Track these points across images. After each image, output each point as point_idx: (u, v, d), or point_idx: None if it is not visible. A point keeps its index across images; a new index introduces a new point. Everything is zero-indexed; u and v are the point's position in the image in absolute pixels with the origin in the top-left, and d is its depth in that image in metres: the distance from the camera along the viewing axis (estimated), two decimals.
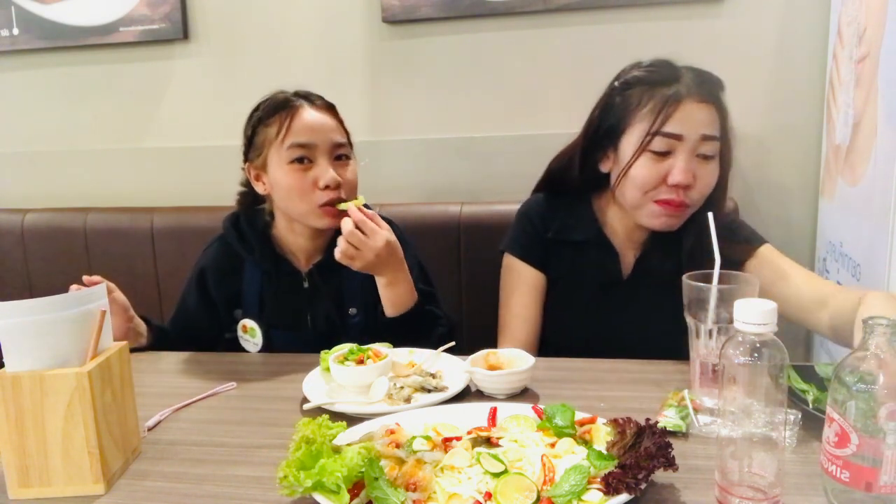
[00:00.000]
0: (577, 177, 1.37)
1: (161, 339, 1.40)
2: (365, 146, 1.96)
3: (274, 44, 2.00)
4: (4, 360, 0.83)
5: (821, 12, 1.70)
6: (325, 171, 1.31)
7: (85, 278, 1.22)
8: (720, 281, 0.96)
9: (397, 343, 1.24)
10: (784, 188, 1.81)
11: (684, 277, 0.98)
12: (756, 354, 0.72)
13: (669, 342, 1.21)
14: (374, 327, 1.36)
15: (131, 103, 2.13)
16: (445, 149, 1.93)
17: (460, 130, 1.93)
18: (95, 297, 0.89)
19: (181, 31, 2.02)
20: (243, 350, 1.44)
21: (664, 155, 1.23)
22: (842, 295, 1.14)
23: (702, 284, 0.96)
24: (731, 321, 0.75)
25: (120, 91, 2.13)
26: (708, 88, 1.25)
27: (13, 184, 2.21)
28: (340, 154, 1.35)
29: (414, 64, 1.94)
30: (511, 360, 1.13)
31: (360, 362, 1.11)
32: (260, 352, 1.41)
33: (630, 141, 1.26)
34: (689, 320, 0.98)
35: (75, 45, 2.10)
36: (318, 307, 1.42)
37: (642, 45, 1.78)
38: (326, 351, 1.17)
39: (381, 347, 1.17)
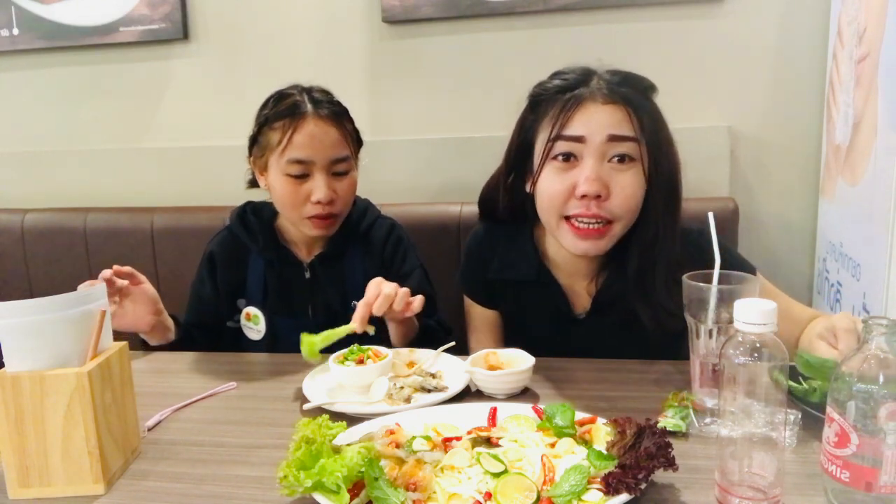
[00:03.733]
0: (507, 204, 1.27)
1: (188, 337, 1.41)
2: (365, 146, 1.97)
3: (274, 44, 2.00)
4: (4, 360, 0.83)
5: (821, 12, 1.70)
6: (320, 188, 1.32)
7: (115, 268, 1.25)
8: (720, 281, 0.96)
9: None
10: (784, 188, 1.81)
11: (684, 277, 0.98)
12: (756, 354, 0.72)
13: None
14: (374, 322, 1.37)
15: (131, 103, 2.13)
16: (445, 149, 1.93)
17: (460, 130, 1.93)
18: (95, 297, 0.89)
19: (181, 31, 2.02)
20: (246, 338, 1.45)
21: (569, 162, 1.12)
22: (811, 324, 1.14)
23: (702, 284, 0.96)
24: (731, 321, 0.75)
25: (120, 91, 2.13)
26: (616, 89, 1.12)
27: (13, 184, 2.21)
28: (338, 170, 1.35)
29: (414, 64, 1.94)
30: (511, 360, 1.12)
31: (360, 362, 1.11)
32: (262, 339, 1.43)
33: (537, 153, 1.17)
34: (689, 320, 0.98)
35: (75, 45, 2.10)
36: (319, 297, 1.44)
37: (642, 45, 1.79)
38: (306, 334, 1.13)
39: (381, 347, 1.17)
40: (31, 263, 2.05)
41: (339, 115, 1.37)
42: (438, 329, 1.40)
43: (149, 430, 1.01)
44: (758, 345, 0.72)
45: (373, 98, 1.97)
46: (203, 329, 1.45)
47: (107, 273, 1.24)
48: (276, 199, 1.39)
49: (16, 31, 2.12)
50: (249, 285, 1.46)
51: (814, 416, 0.91)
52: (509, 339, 1.36)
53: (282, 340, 1.42)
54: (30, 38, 2.12)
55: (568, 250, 1.18)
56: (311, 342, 1.12)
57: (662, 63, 1.78)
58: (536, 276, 1.26)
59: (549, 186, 1.14)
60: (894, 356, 0.70)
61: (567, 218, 1.14)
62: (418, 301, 1.20)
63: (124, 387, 0.92)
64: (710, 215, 1.04)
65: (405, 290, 1.19)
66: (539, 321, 1.29)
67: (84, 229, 2.01)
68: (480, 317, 1.37)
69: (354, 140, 1.41)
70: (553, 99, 1.15)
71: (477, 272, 1.33)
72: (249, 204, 1.50)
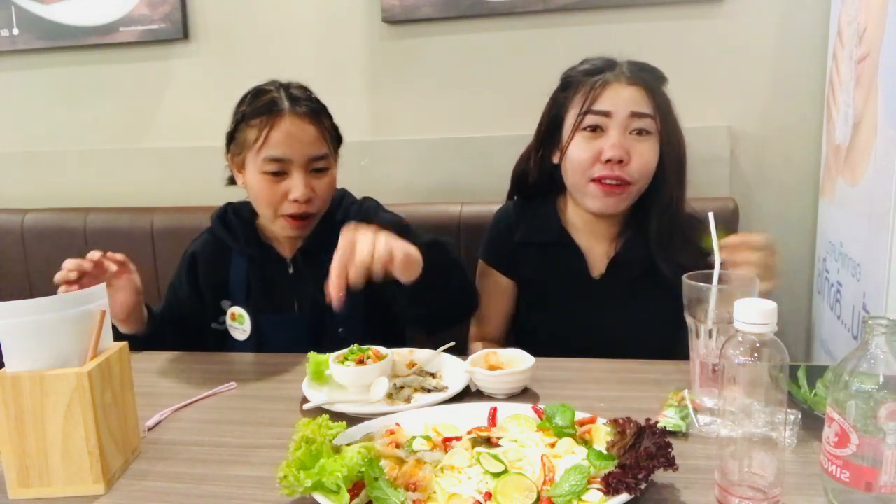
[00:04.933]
0: (536, 175, 1.42)
1: (159, 333, 1.38)
2: (365, 146, 1.97)
3: (274, 44, 2.00)
4: (4, 360, 0.83)
5: (821, 12, 1.70)
6: (297, 186, 1.31)
7: (108, 254, 1.23)
8: (720, 281, 0.96)
9: (428, 311, 1.21)
10: (784, 188, 1.81)
11: (684, 277, 0.98)
12: (756, 354, 0.72)
13: (655, 339, 1.22)
14: (358, 313, 1.36)
15: (131, 103, 2.13)
16: (445, 149, 1.93)
17: (460, 130, 1.93)
18: (95, 297, 0.89)
19: (181, 31, 2.02)
20: (231, 339, 1.44)
21: (596, 132, 1.29)
22: None
23: (702, 284, 0.96)
24: (731, 321, 0.75)
25: (120, 91, 2.13)
26: (637, 73, 1.30)
27: (13, 184, 2.21)
28: (317, 167, 1.34)
29: (414, 64, 1.93)
30: (511, 360, 1.13)
31: (360, 362, 1.11)
32: (249, 339, 1.42)
33: (567, 126, 1.33)
34: (689, 320, 0.98)
35: (75, 45, 2.10)
36: (303, 293, 1.43)
37: (642, 45, 1.78)
38: (314, 353, 1.15)
39: (381, 347, 1.17)
40: (31, 263, 2.05)
41: (316, 113, 1.35)
42: (437, 243, 1.23)
43: (149, 430, 1.01)
44: (758, 345, 0.72)
45: (373, 98, 1.97)
46: (175, 327, 1.43)
47: (95, 255, 1.21)
48: (254, 197, 1.37)
49: (16, 31, 2.12)
50: (233, 285, 1.45)
51: (814, 416, 0.91)
52: (527, 307, 1.42)
53: (268, 339, 1.41)
54: (30, 38, 2.12)
55: (591, 209, 1.34)
56: (318, 362, 1.13)
57: (662, 63, 1.77)
58: (559, 238, 1.39)
59: (579, 153, 1.30)
60: (894, 356, 0.70)
61: (592, 179, 1.30)
62: (399, 250, 1.02)
63: (124, 387, 0.92)
64: (710, 215, 1.05)
65: (383, 243, 1.02)
66: (558, 284, 1.38)
67: (84, 229, 2.01)
68: (498, 285, 1.44)
69: (333, 137, 1.39)
70: (582, 81, 1.32)
71: (504, 238, 1.44)
72: (230, 205, 1.48)
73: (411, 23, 1.90)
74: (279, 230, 1.40)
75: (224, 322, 1.45)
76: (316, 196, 1.34)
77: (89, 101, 2.15)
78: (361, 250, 1.00)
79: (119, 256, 1.26)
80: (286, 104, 1.32)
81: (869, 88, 1.31)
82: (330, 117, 1.40)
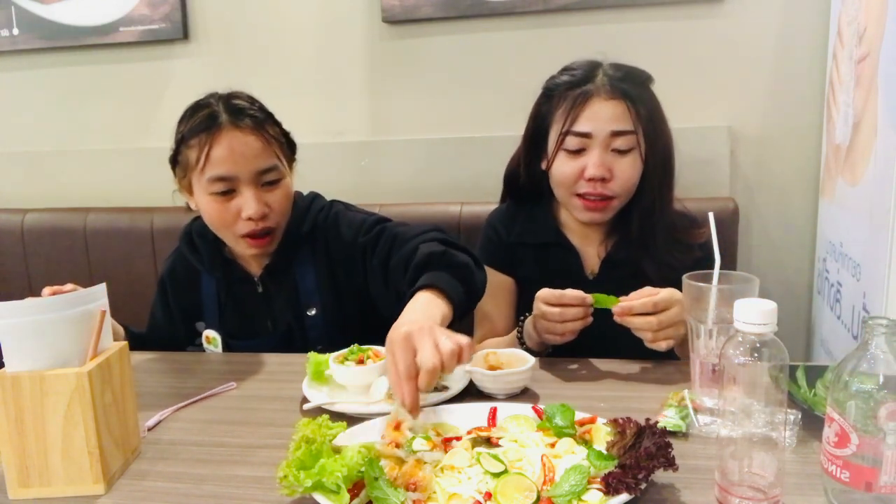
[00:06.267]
0: (526, 179, 1.43)
1: (138, 346, 1.34)
2: (365, 146, 1.97)
3: (274, 44, 2.00)
4: (4, 360, 0.83)
5: (821, 12, 1.70)
6: (249, 203, 1.25)
7: (56, 288, 1.17)
8: (720, 281, 0.96)
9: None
10: (784, 188, 1.81)
11: (684, 277, 0.98)
12: (756, 354, 0.72)
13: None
14: (334, 325, 1.35)
15: (131, 103, 2.13)
16: (445, 149, 1.93)
17: (460, 130, 1.93)
18: (95, 297, 0.89)
19: (181, 31, 2.02)
20: None
21: (578, 152, 1.30)
22: None
23: (702, 284, 0.96)
24: (731, 321, 0.75)
25: (120, 91, 2.13)
26: (617, 85, 1.29)
27: (13, 184, 2.21)
28: (267, 180, 1.28)
29: (414, 64, 1.93)
30: (511, 360, 1.12)
31: (360, 362, 1.11)
32: None
33: (552, 141, 1.35)
34: (689, 320, 0.98)
35: (75, 45, 2.10)
36: (276, 310, 1.39)
37: (642, 45, 1.79)
38: (314, 353, 1.14)
39: (381, 347, 1.17)
40: (31, 263, 2.05)
41: (259, 123, 1.27)
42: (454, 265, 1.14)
43: (149, 430, 1.01)
44: (758, 345, 0.72)
45: (373, 98, 1.97)
46: (160, 348, 1.39)
47: (47, 291, 1.17)
48: (207, 220, 1.31)
49: (16, 31, 2.12)
50: (205, 307, 1.41)
51: (814, 416, 0.91)
52: (525, 305, 1.39)
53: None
54: (30, 38, 2.12)
55: (577, 219, 1.38)
56: (318, 362, 1.12)
57: (662, 63, 1.77)
58: (554, 239, 1.41)
59: (562, 170, 1.33)
60: (894, 356, 0.70)
61: (577, 194, 1.33)
62: (467, 350, 0.92)
63: (124, 387, 0.92)
64: (710, 215, 1.05)
65: (450, 349, 0.89)
66: (555, 283, 1.35)
67: (84, 229, 2.01)
68: (496, 284, 1.43)
69: (283, 145, 1.33)
70: (563, 94, 1.32)
71: (500, 238, 1.46)
72: (195, 223, 1.43)
73: (411, 23, 1.89)
74: (242, 251, 1.35)
75: (200, 343, 1.43)
76: (271, 210, 1.28)
77: (89, 101, 2.15)
78: (426, 359, 0.87)
79: (68, 287, 1.19)
80: (225, 117, 1.25)
81: (869, 88, 1.31)
82: (277, 125, 1.33)
